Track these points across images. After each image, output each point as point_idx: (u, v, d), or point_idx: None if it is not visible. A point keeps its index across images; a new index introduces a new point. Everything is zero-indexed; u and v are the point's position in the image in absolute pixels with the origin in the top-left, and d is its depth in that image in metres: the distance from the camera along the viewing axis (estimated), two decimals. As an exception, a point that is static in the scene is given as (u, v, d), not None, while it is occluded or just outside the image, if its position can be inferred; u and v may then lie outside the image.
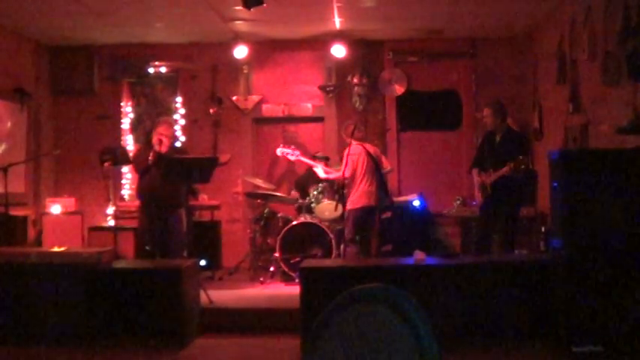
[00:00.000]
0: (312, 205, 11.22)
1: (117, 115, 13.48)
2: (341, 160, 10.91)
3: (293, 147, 11.49)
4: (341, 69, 13.14)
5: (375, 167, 10.40)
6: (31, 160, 12.53)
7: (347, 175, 10.34)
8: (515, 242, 9.68)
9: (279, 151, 11.44)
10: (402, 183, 13.06)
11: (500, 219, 9.55)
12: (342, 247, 10.29)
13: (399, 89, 13.13)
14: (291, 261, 10.72)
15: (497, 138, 9.72)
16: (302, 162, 11.52)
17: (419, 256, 8.11)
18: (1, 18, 11.47)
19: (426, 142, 13.18)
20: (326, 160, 11.48)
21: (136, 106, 13.66)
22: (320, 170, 10.96)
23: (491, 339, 7.39)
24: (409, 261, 8.03)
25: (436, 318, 4.74)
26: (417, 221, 11.87)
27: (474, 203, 10.35)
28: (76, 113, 13.45)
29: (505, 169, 9.18)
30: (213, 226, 12.14)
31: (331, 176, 10.90)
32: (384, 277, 7.52)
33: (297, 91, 13.37)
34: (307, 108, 13.41)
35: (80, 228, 12.05)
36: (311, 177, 11.50)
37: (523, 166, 8.95)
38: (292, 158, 11.44)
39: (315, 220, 10.97)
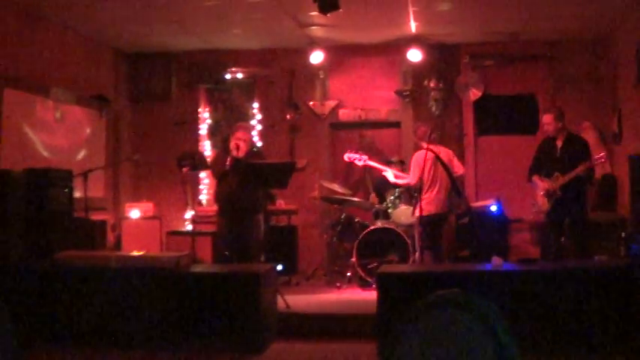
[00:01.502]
0: (389, 210, 11.17)
1: (194, 121, 13.57)
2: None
3: (360, 152, 11.32)
4: (417, 73, 13.09)
5: (445, 173, 10.05)
6: (111, 166, 12.67)
7: (413, 181, 10.26)
8: (588, 247, 9.57)
9: (346, 157, 11.29)
10: (479, 188, 12.96)
11: (570, 222, 9.50)
12: (417, 253, 10.10)
13: (476, 93, 13.03)
14: (368, 266, 10.65)
15: (559, 143, 9.67)
16: (370, 167, 11.33)
17: (497, 262, 7.96)
18: (81, 26, 11.64)
19: (503, 146, 13.03)
20: (401, 165, 11.38)
21: (213, 112, 13.74)
22: (390, 175, 10.82)
23: (570, 347, 7.23)
24: (487, 267, 7.91)
25: (514, 325, 4.73)
26: (495, 227, 11.75)
27: (535, 210, 10.13)
28: (154, 119, 13.59)
29: (580, 169, 9.20)
30: (290, 231, 12.16)
31: (400, 181, 10.77)
32: (462, 283, 7.41)
33: (373, 96, 13.32)
34: (383, 113, 13.37)
35: (158, 232, 12.11)
36: (388, 182, 11.27)
37: (593, 168, 9.12)
38: (360, 163, 11.27)
39: (391, 226, 10.89)
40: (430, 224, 10.18)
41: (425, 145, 9.98)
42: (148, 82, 13.45)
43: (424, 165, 9.84)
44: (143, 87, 13.48)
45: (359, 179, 13.08)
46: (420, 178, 9.83)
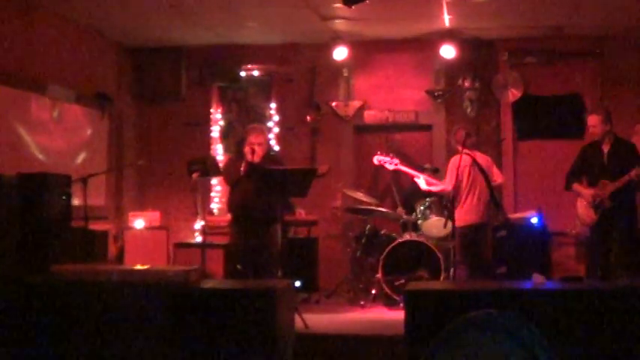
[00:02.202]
0: (419, 221, 11.19)
1: (206, 123, 13.62)
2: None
3: (391, 155, 11.39)
4: (450, 72, 13.13)
5: (484, 180, 9.99)
6: (113, 171, 12.68)
7: (449, 187, 10.16)
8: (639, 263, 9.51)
9: (376, 160, 11.33)
10: (519, 198, 12.87)
11: (619, 235, 9.50)
12: (451, 268, 10.04)
13: (516, 93, 13.00)
14: (395, 283, 10.69)
15: (606, 148, 9.69)
16: (402, 172, 11.42)
17: (538, 279, 7.63)
18: (81, 17, 11.65)
19: (546, 151, 12.94)
20: (435, 173, 11.41)
21: (227, 113, 13.78)
22: (422, 181, 10.88)
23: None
24: (527, 285, 7.64)
25: (557, 348, 4.69)
26: (535, 241, 11.61)
27: (579, 223, 10.28)
28: (162, 120, 13.68)
29: (634, 173, 9.23)
30: (310, 244, 12.21)
31: (434, 188, 10.80)
32: (499, 303, 6.82)
33: (402, 96, 13.35)
34: (413, 115, 13.41)
35: (165, 244, 12.16)
36: (417, 190, 11.37)
37: None
38: (390, 167, 11.30)
39: (421, 239, 10.94)
40: (467, 236, 10.28)
41: (459, 149, 10.00)
42: (155, 80, 13.48)
43: (461, 170, 9.98)
44: (150, 85, 13.50)
45: (385, 188, 13.09)
46: (457, 185, 9.92)
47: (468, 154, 9.91)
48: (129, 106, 13.53)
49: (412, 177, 11.13)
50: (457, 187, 10.02)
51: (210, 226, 12.77)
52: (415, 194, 11.54)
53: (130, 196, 13.43)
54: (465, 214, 10.26)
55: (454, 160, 10.31)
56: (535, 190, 12.74)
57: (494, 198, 10.02)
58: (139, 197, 13.62)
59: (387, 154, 11.36)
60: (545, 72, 12.95)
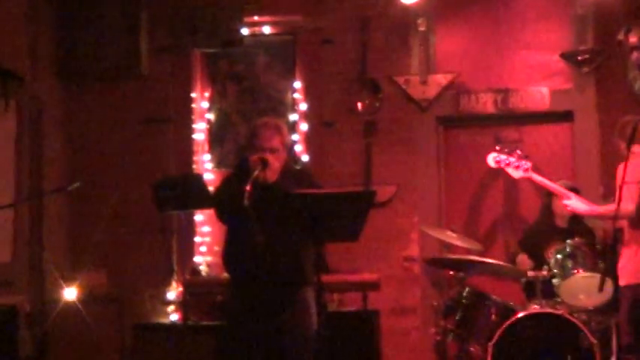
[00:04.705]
0: (555, 280, 10.24)
1: (183, 116, 13.12)
2: (612, 189, 10.15)
3: (518, 153, 10.57)
4: (604, 20, 12.30)
5: None
6: (26, 202, 12.25)
7: (628, 209, 9.18)
8: None
9: (491, 160, 10.50)
10: None
11: None
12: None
13: None
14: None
15: None
16: (536, 184, 10.73)
17: None
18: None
19: None
20: (575, 193, 10.61)
21: (219, 99, 13.23)
22: (577, 203, 10.05)
23: None
24: None
25: None
26: None
27: None
28: (107, 113, 13.08)
29: None
30: (366, 322, 11.46)
31: (598, 210, 9.95)
32: None
33: (521, 65, 12.64)
34: (540, 96, 12.59)
35: (118, 326, 11.80)
36: (551, 226, 10.96)
37: None
38: (516, 175, 10.49)
39: (560, 310, 10.03)
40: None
41: (629, 150, 9.19)
42: (94, 46, 12.77)
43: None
44: (85, 55, 12.80)
45: (495, 221, 12.78)
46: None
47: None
48: (51, 90, 12.93)
49: (558, 196, 10.49)
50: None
51: (193, 294, 11.97)
52: (547, 232, 10.91)
53: (56, 245, 12.69)
54: (640, 263, 9.80)
55: (625, 169, 9.27)
56: None
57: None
58: (71, 247, 12.98)
59: (509, 152, 10.56)
60: None
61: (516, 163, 10.47)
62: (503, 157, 10.52)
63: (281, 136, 9.14)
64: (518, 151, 10.65)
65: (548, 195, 10.94)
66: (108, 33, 12.73)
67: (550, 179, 10.60)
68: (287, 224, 8.45)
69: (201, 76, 13.21)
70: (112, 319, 11.73)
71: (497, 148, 10.75)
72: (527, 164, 10.47)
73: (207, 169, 13.07)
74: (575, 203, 10.09)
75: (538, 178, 10.46)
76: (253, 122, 9.89)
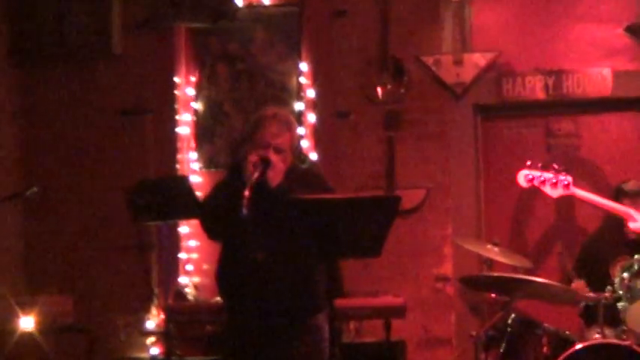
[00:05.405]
0: (621, 303, 9.55)
1: (164, 106, 12.27)
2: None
3: (555, 167, 9.63)
4: None
5: None
6: None
7: None
8: None
9: (522, 179, 9.60)
10: None
11: None
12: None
13: None
14: None
15: None
16: (582, 199, 9.99)
17: None
18: None
19: None
20: (643, 205, 10.62)
21: (208, 85, 12.44)
22: None
23: None
24: None
25: None
26: None
27: None
28: (71, 103, 12.28)
29: None
30: (389, 355, 10.98)
31: None
32: None
33: (576, 42, 11.86)
34: (601, 78, 11.82)
35: None
36: (617, 237, 10.12)
37: None
38: (555, 193, 9.68)
39: (627, 341, 9.32)
40: None
41: None
42: (54, 21, 12.22)
43: None
44: (43, 30, 12.28)
45: (547, 233, 12.14)
46: None
47: None
48: (0, 73, 12.37)
49: (614, 214, 9.93)
50: None
51: (178, 323, 11.25)
52: (610, 249, 10.29)
53: (9, 264, 12.14)
54: None
55: None
56: None
57: None
58: (28, 267, 12.34)
59: (545, 167, 9.67)
60: None
61: (554, 180, 9.61)
62: (536, 173, 9.63)
63: (291, 134, 8.34)
64: (555, 165, 9.71)
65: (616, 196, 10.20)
66: (72, 4, 12.20)
67: (604, 195, 10.10)
68: (293, 237, 7.66)
69: (186, 57, 12.47)
70: (79, 353, 11.30)
71: (528, 163, 9.74)
72: (568, 179, 9.58)
73: (193, 170, 12.34)
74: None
75: (584, 194, 9.79)
76: (258, 112, 8.72)
